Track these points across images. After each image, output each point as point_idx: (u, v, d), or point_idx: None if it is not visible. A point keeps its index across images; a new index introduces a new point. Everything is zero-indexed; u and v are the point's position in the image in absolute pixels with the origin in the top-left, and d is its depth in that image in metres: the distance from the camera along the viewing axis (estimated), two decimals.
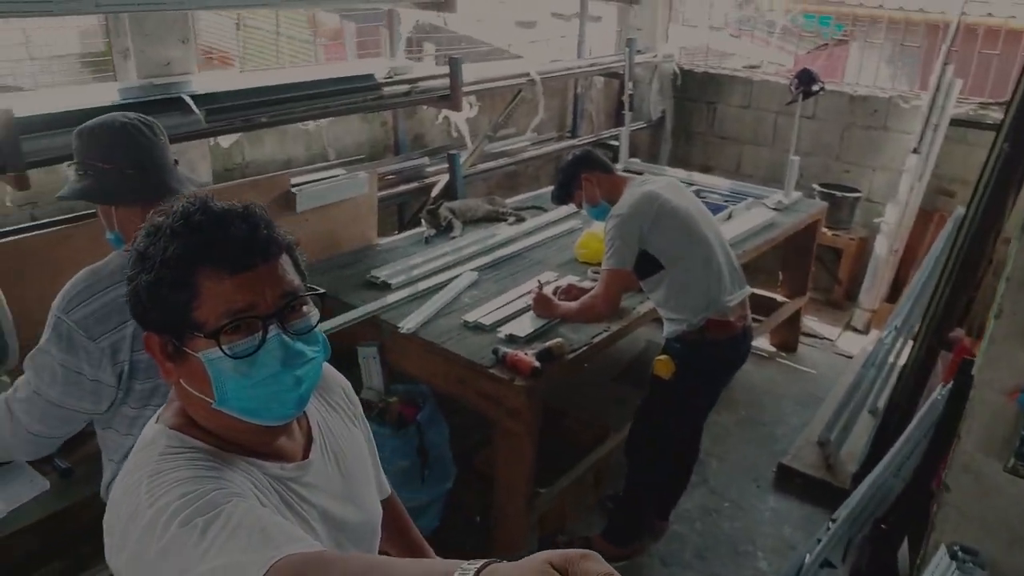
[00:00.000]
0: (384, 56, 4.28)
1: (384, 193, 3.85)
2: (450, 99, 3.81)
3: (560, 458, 3.17)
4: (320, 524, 1.03)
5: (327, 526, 1.04)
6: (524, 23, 10.78)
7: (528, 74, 4.38)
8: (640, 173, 4.51)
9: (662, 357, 2.60)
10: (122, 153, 1.56)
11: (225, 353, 0.89)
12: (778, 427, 3.90)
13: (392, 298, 2.91)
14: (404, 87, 3.67)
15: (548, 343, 2.54)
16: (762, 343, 4.65)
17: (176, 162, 1.67)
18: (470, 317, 2.76)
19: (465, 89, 3.92)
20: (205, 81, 3.11)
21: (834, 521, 2.24)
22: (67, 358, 1.46)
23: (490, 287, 3.09)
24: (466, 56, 4.00)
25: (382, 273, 3.09)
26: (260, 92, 3.08)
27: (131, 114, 1.62)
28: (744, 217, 3.98)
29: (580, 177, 2.71)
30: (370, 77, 3.54)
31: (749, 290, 2.72)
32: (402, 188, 3.96)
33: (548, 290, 2.82)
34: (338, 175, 3.33)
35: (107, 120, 1.58)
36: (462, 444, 2.99)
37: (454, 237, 3.59)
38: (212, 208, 0.91)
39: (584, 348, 2.64)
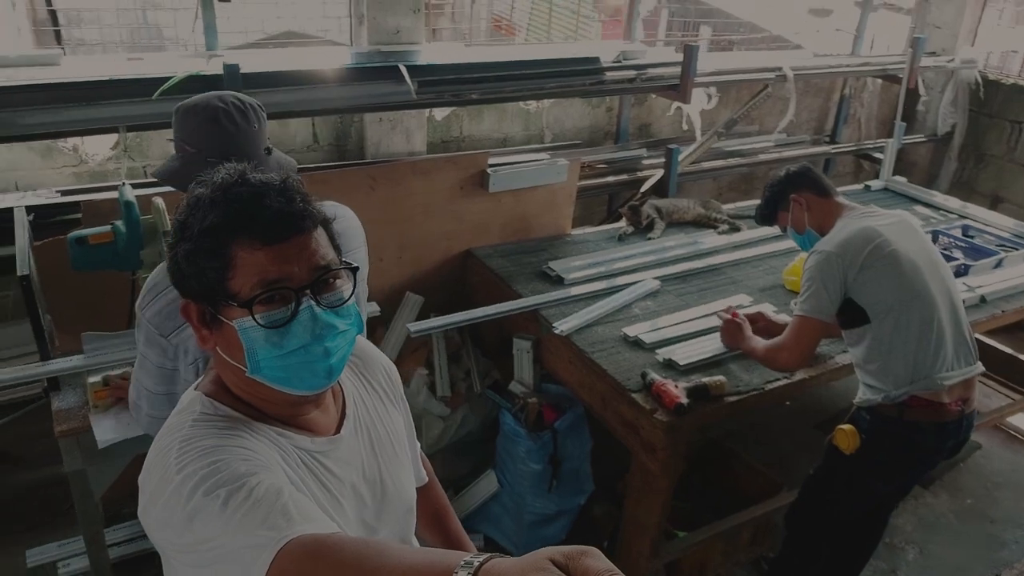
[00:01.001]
0: (656, 37, 4.08)
1: (593, 182, 3.70)
2: (679, 89, 3.52)
3: (719, 502, 2.86)
4: (349, 500, 1.03)
5: (356, 503, 1.05)
6: (818, 11, 9.80)
7: (779, 68, 3.92)
8: (910, 197, 3.88)
9: (846, 427, 2.18)
10: (206, 138, 1.47)
11: (258, 322, 0.90)
12: (1009, 530, 3.16)
13: (560, 294, 2.77)
14: (630, 73, 3.45)
15: (707, 379, 2.25)
16: (1021, 421, 3.80)
17: (269, 150, 1.57)
18: (631, 330, 2.54)
19: (700, 80, 3.60)
20: (430, 52, 3.17)
21: None
22: (149, 351, 1.46)
23: (669, 301, 2.82)
24: (742, 43, 3.66)
25: (559, 266, 2.97)
26: (474, 68, 3.07)
27: (231, 96, 1.52)
28: (1019, 268, 3.22)
29: (788, 196, 2.34)
30: (594, 60, 3.38)
31: (980, 368, 2.17)
32: (611, 179, 3.77)
33: (745, 325, 2.46)
34: (540, 159, 3.24)
35: (201, 100, 1.50)
36: (609, 462, 2.80)
37: (651, 238, 3.34)
38: (250, 180, 0.92)
39: (752, 393, 2.30)
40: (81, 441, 1.95)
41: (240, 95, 1.56)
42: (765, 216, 2.46)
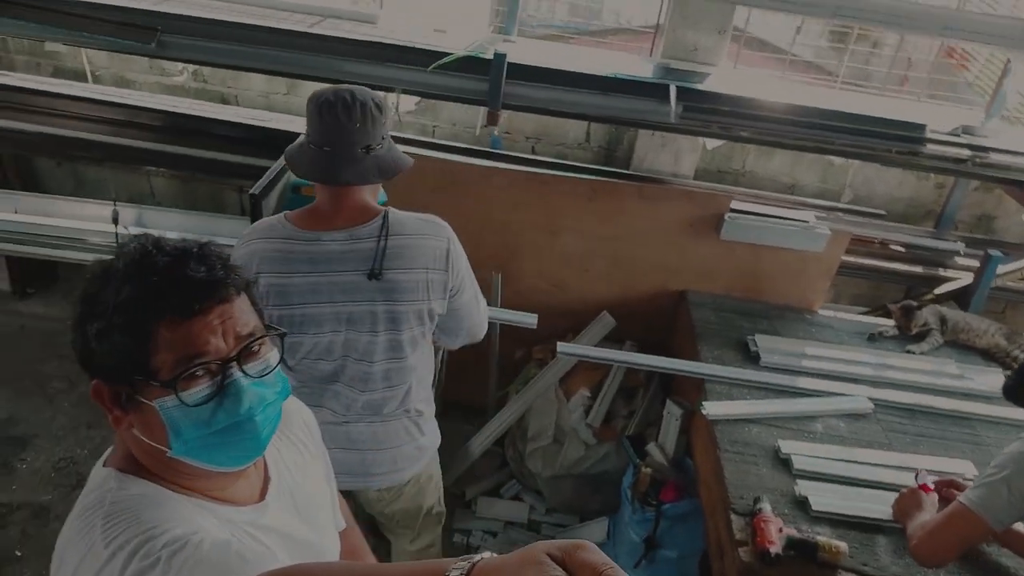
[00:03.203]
0: None
1: (876, 263, 3.16)
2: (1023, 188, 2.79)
3: None
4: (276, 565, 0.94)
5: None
6: None
7: None
8: None
9: None
10: (312, 127, 1.59)
11: (183, 401, 0.83)
12: None
13: (739, 373, 2.47)
14: (962, 152, 2.82)
15: (823, 538, 1.85)
16: None
17: (368, 149, 1.58)
18: (788, 446, 2.17)
19: None
20: (720, 78, 2.96)
21: None
22: None
23: (869, 432, 2.34)
24: None
25: (766, 343, 2.63)
26: (755, 104, 2.79)
27: (348, 91, 1.57)
28: None
29: None
30: (917, 127, 2.82)
31: None
32: (901, 267, 3.16)
33: (929, 499, 1.94)
34: (796, 219, 2.85)
35: (323, 91, 1.59)
36: None
37: (911, 351, 2.75)
38: (166, 249, 0.86)
39: None
40: None
41: (360, 91, 1.61)
42: (1011, 389, 1.89)
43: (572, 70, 2.78)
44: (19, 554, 2.63)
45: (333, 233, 1.63)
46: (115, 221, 3.08)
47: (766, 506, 1.92)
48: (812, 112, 2.79)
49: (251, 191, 2.35)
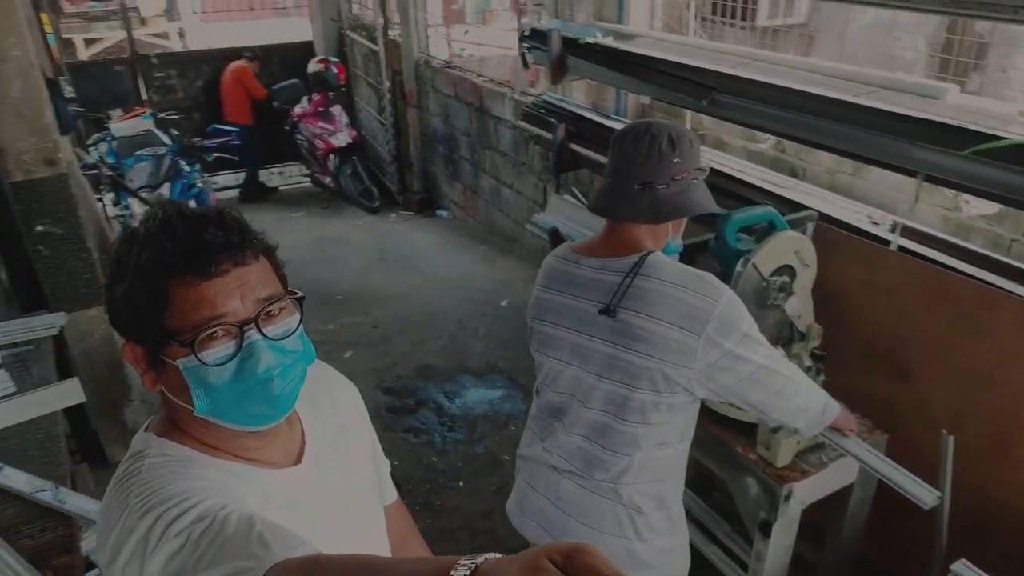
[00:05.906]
0: None
1: None
2: None
3: None
4: (316, 527, 0.98)
5: (323, 529, 1.01)
6: None
7: None
8: None
9: None
10: (608, 159, 1.56)
11: (201, 361, 0.88)
12: None
13: None
14: None
15: None
16: None
17: (645, 186, 1.48)
18: None
19: None
20: None
21: None
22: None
23: None
24: None
25: None
26: None
27: (647, 122, 1.52)
28: None
29: None
30: None
31: None
32: None
33: None
34: None
35: (629, 123, 1.56)
36: None
37: None
38: (185, 214, 0.90)
39: None
40: None
41: (657, 125, 1.53)
42: None
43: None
44: None
45: (591, 259, 1.59)
46: None
47: None
48: None
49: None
